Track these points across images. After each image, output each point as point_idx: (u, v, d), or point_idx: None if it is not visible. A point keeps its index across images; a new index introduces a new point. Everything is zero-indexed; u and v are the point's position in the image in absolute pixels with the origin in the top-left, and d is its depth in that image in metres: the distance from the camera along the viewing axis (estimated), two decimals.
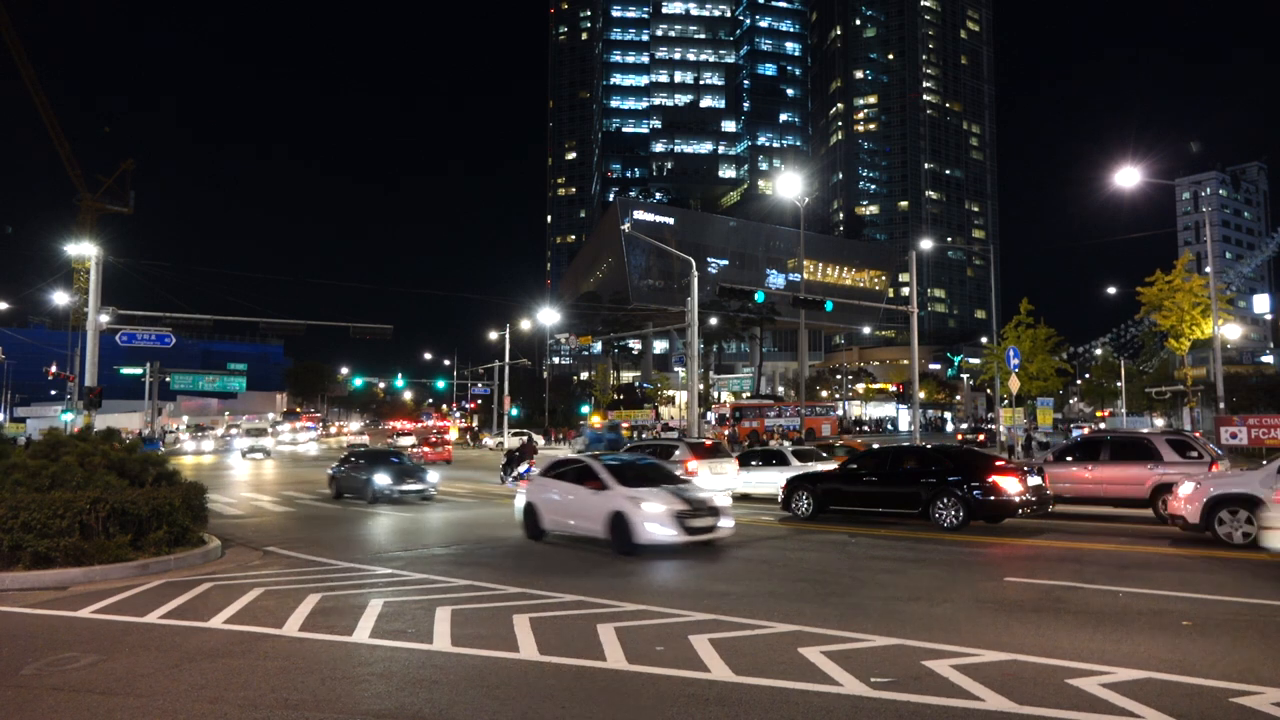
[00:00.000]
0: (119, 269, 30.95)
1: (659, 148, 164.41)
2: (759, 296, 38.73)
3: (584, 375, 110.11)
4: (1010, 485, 15.36)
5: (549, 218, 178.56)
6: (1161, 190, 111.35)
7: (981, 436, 51.83)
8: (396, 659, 7.38)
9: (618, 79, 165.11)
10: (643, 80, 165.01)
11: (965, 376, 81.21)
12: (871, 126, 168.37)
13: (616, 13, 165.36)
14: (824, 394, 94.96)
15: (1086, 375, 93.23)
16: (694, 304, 31.03)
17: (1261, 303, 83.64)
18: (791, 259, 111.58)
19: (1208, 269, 44.95)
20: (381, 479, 23.34)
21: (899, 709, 5.87)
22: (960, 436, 57.93)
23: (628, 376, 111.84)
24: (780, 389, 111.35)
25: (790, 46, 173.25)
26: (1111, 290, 77.60)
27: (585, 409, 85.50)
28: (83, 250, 40.45)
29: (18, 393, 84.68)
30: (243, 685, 6.67)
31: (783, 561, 12.87)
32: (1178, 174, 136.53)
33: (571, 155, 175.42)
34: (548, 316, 72.24)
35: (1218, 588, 10.11)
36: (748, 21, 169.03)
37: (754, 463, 23.26)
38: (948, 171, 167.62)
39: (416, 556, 13.69)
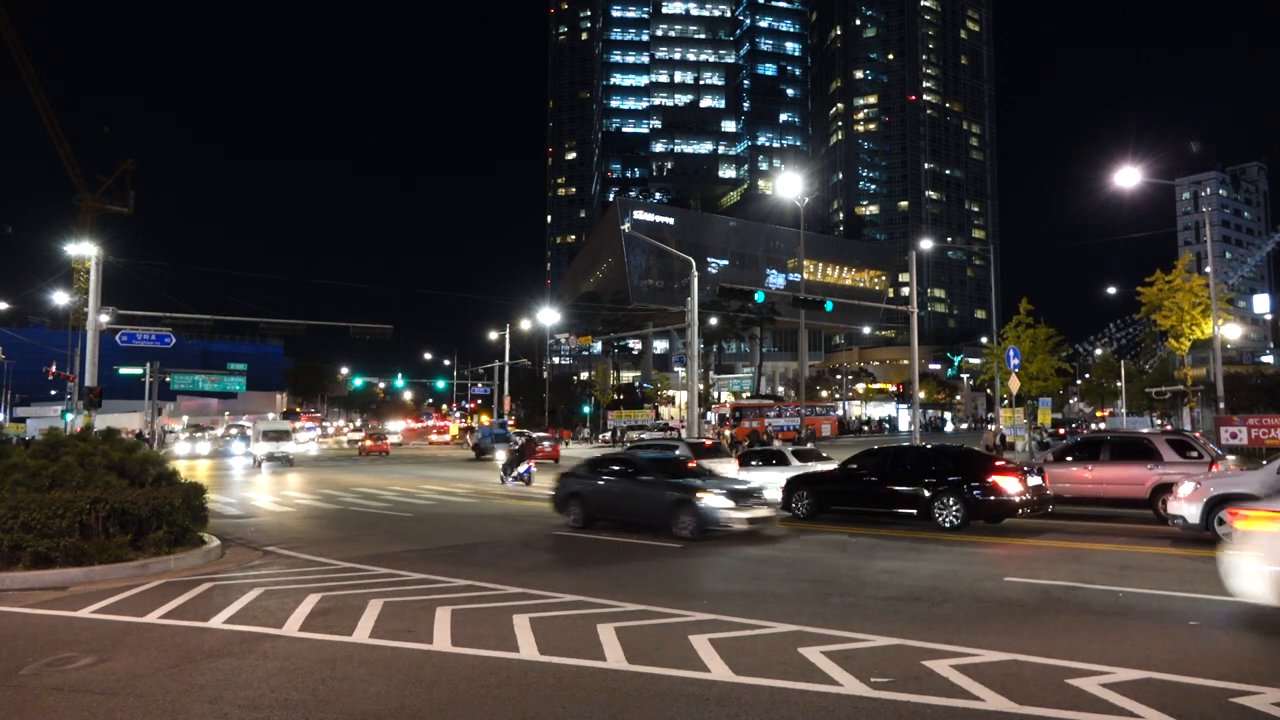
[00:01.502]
0: (119, 269, 30.98)
1: (659, 148, 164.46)
2: (759, 296, 38.73)
3: (584, 375, 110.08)
4: (1010, 485, 15.36)
5: (549, 218, 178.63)
6: (1161, 190, 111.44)
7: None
8: (397, 659, 7.39)
9: (618, 79, 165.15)
10: (643, 80, 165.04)
11: (965, 376, 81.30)
12: (871, 126, 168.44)
13: (616, 13, 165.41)
14: (824, 394, 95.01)
15: (1086, 375, 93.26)
16: (694, 304, 31.04)
17: (1261, 303, 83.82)
18: (791, 259, 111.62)
19: (1208, 269, 44.94)
20: (715, 500, 14.54)
21: (899, 709, 5.87)
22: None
23: (628, 376, 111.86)
24: (780, 389, 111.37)
25: (790, 46, 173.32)
26: (1111, 290, 77.64)
27: (586, 409, 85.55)
28: (83, 250, 40.48)
29: (18, 393, 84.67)
30: (243, 685, 6.67)
31: (783, 561, 12.87)
32: (1178, 174, 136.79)
33: (571, 155, 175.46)
34: (548, 316, 72.28)
35: (1218, 587, 10.10)
36: (748, 21, 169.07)
37: (754, 463, 23.24)
38: (948, 171, 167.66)
39: None
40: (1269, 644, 7.54)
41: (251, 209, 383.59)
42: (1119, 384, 75.69)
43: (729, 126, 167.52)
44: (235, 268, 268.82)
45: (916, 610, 9.08)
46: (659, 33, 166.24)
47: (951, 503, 15.66)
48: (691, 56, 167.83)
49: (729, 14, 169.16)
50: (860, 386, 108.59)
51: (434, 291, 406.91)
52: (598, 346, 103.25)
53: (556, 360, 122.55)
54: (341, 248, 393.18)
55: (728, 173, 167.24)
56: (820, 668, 6.82)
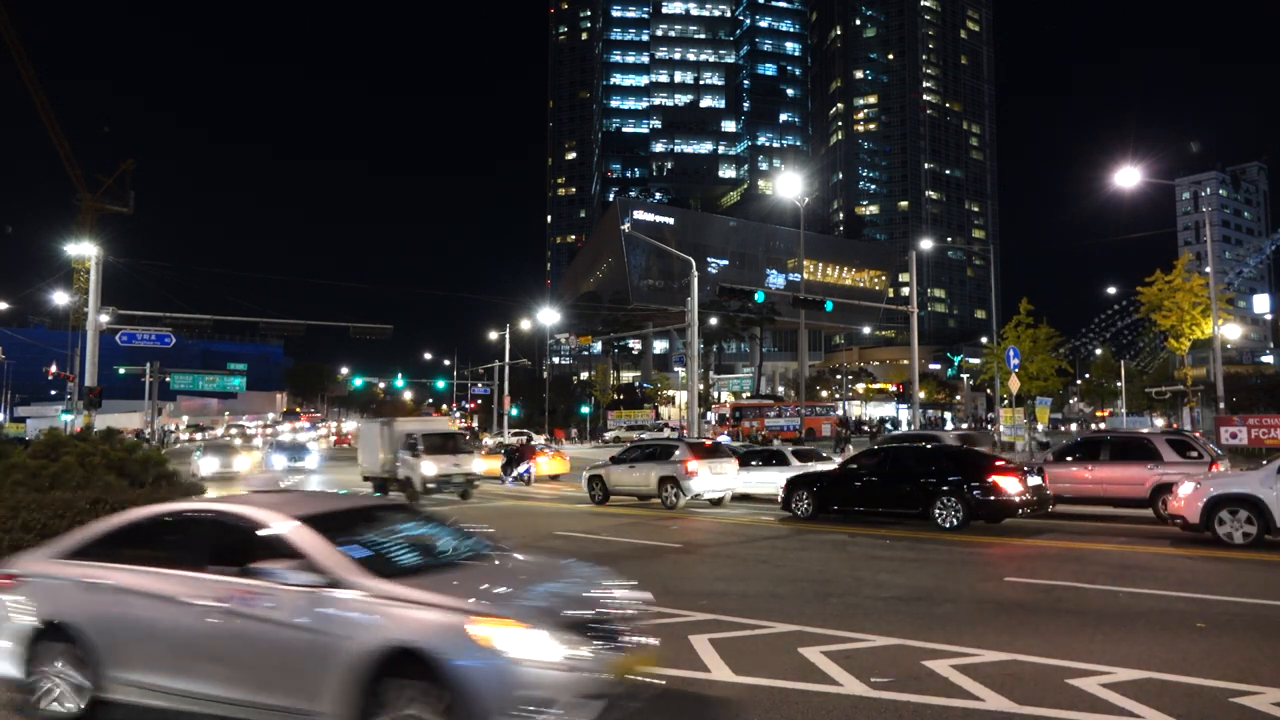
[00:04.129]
0: (119, 269, 30.96)
1: (659, 148, 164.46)
2: (759, 296, 38.77)
3: (584, 375, 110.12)
4: (1010, 485, 15.34)
5: (549, 218, 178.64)
6: (1161, 190, 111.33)
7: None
8: None
9: (618, 79, 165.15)
10: (643, 80, 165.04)
11: (965, 376, 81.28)
12: (871, 126, 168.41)
13: (616, 13, 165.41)
14: (824, 394, 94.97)
15: (1086, 375, 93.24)
16: (694, 304, 31.04)
17: (1261, 303, 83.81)
18: (791, 259, 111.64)
19: (1207, 269, 44.91)
20: None
21: (899, 709, 5.87)
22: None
23: (628, 376, 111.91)
24: (780, 389, 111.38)
25: (790, 46, 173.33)
26: (1111, 290, 77.66)
27: (586, 409, 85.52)
28: (83, 250, 40.47)
29: (18, 393, 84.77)
30: None
31: (783, 561, 12.86)
32: (1178, 174, 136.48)
33: (571, 155, 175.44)
34: (548, 316, 72.24)
35: (1218, 588, 10.11)
36: (748, 21, 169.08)
37: (754, 463, 23.25)
38: (948, 171, 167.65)
39: None
40: (1269, 644, 7.54)
41: (251, 209, 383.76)
42: (1119, 384, 75.73)
43: (729, 126, 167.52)
44: (235, 268, 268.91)
45: (916, 610, 9.07)
46: (659, 33, 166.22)
47: (951, 502, 15.65)
48: (691, 56, 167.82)
49: (729, 14, 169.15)
50: (860, 386, 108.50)
51: (434, 291, 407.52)
52: (598, 346, 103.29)
53: (556, 360, 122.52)
54: (341, 248, 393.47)
55: (728, 173, 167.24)
56: (820, 668, 6.82)
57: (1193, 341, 39.87)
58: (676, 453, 21.32)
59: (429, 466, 24.38)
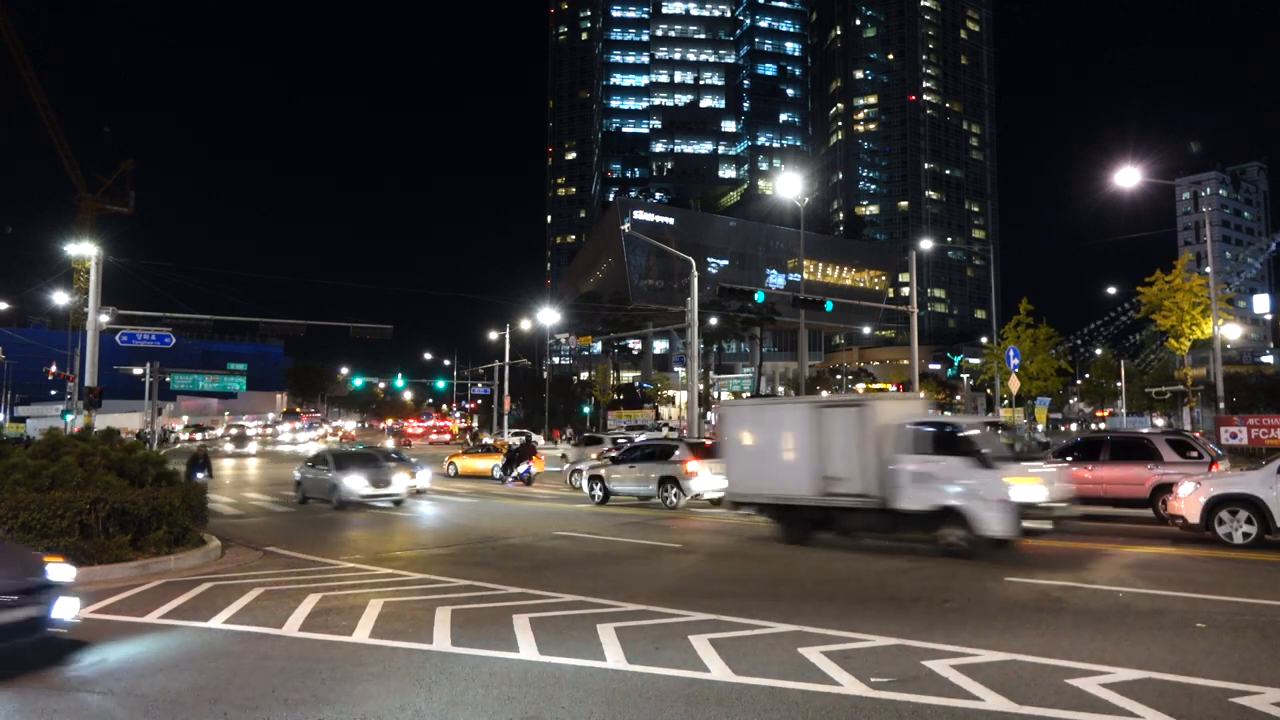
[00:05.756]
0: (119, 269, 30.92)
1: (659, 148, 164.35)
2: (759, 296, 38.73)
3: (584, 375, 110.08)
4: None
5: (549, 218, 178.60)
6: (1161, 190, 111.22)
7: None
8: (397, 659, 7.38)
9: (618, 79, 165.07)
10: (643, 80, 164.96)
11: (965, 376, 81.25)
12: (871, 126, 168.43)
13: (616, 13, 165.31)
14: (824, 394, 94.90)
15: (1086, 375, 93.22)
16: (694, 304, 31.01)
17: (1261, 303, 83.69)
18: (791, 259, 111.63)
19: (1208, 269, 44.90)
20: None
21: (899, 709, 5.87)
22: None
23: (628, 376, 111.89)
24: (780, 389, 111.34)
25: (790, 46, 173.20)
26: (1112, 290, 77.60)
27: (586, 409, 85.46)
28: (83, 250, 40.41)
29: (18, 393, 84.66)
30: (243, 685, 6.67)
31: (782, 561, 12.86)
32: (1178, 174, 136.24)
33: (571, 155, 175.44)
34: (548, 316, 72.14)
35: (1218, 588, 10.11)
36: (748, 21, 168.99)
37: None
38: (948, 171, 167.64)
39: None
40: (1269, 644, 7.54)
41: (252, 209, 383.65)
42: (1119, 384, 75.70)
43: (729, 126, 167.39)
44: (235, 268, 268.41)
45: (916, 610, 9.07)
46: (659, 33, 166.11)
47: None
48: (691, 56, 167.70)
49: (729, 14, 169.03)
50: (860, 386, 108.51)
51: (434, 291, 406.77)
52: (598, 346, 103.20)
53: (556, 360, 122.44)
54: (342, 248, 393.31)
55: (728, 173, 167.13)
56: (820, 668, 6.82)
57: (1193, 341, 39.83)
58: (676, 453, 21.32)
59: (1032, 489, 12.40)
